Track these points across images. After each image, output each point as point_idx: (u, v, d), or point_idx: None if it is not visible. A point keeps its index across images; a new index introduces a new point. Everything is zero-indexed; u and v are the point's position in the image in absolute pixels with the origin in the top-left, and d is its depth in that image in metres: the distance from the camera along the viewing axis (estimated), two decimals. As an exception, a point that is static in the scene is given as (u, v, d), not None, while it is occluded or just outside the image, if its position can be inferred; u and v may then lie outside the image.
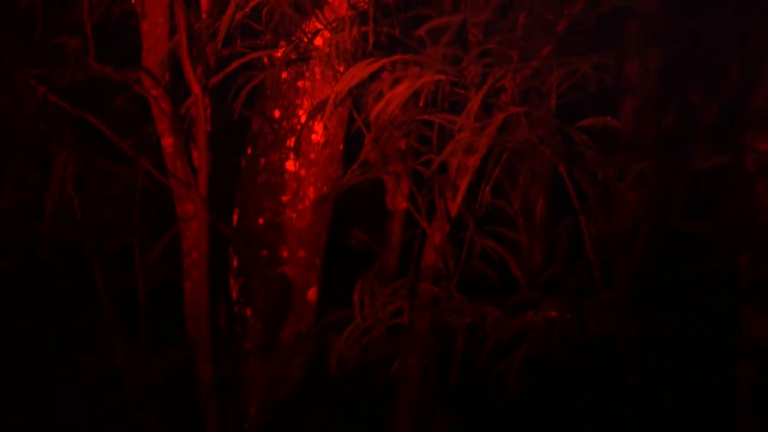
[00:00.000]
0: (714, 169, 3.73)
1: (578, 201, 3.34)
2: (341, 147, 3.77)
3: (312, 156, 3.75)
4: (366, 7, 3.42)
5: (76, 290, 4.20)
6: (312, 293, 3.81)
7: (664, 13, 4.05)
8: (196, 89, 3.58)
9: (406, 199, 3.62)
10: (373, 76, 3.34)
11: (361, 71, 3.26)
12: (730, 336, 3.82)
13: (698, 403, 3.70)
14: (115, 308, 4.08)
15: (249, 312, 3.82)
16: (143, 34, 3.64)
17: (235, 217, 3.86)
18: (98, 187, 4.10)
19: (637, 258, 3.54)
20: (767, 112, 3.77)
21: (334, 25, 3.46)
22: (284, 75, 3.73)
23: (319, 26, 3.54)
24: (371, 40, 3.36)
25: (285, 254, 3.78)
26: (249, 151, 3.84)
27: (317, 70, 3.70)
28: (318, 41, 3.58)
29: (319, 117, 3.68)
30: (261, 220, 3.80)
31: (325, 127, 3.73)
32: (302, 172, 3.76)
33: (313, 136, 3.74)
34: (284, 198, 3.78)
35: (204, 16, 3.60)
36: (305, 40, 3.57)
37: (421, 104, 3.37)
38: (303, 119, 3.72)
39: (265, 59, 3.67)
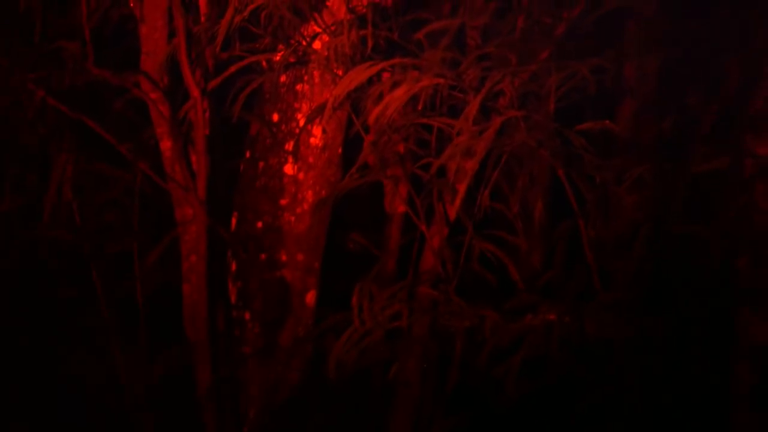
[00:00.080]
0: (713, 172, 3.73)
1: (577, 204, 3.34)
2: (340, 150, 3.77)
3: (311, 159, 3.75)
4: (365, 10, 3.43)
5: (75, 293, 4.20)
6: (310, 297, 3.81)
7: (662, 15, 4.05)
8: (195, 93, 3.57)
9: (404, 202, 3.62)
10: (372, 80, 3.34)
11: (359, 75, 3.26)
12: (729, 338, 3.81)
13: (697, 405, 3.70)
14: (114, 311, 4.08)
15: (247, 315, 3.82)
16: (142, 38, 3.64)
17: (234, 221, 3.86)
18: (97, 190, 4.10)
19: (636, 261, 3.55)
20: (766, 115, 3.77)
21: (333, 28, 3.45)
22: (283, 78, 3.73)
23: (318, 30, 3.54)
24: (370, 44, 3.36)
25: (283, 258, 3.78)
26: (248, 154, 3.85)
27: (316, 73, 3.70)
28: (317, 45, 3.58)
29: (317, 120, 3.68)
30: (260, 224, 3.80)
31: (324, 131, 3.73)
32: (301, 175, 3.76)
33: (312, 140, 3.75)
34: (283, 201, 3.78)
35: (203, 19, 3.60)
36: (304, 43, 3.57)
37: (419, 108, 3.37)
38: (302, 123, 3.73)
39: (264, 63, 3.68)
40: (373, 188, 3.72)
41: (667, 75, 4.08)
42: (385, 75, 3.37)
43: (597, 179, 3.35)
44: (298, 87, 3.73)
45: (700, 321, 3.74)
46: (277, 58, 3.61)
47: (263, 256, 3.79)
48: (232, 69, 3.58)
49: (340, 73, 3.42)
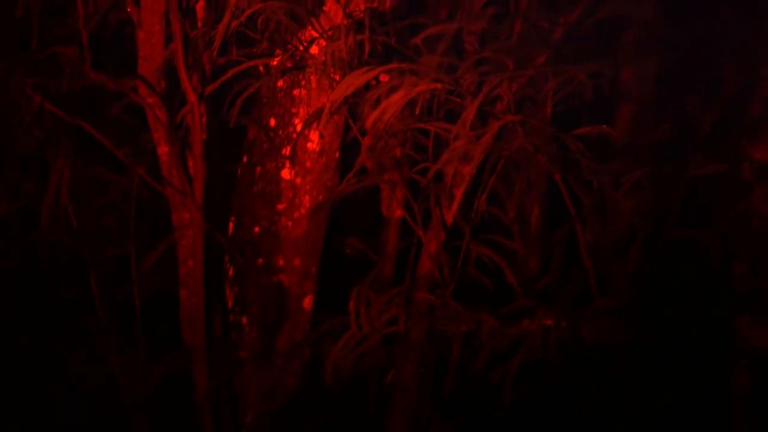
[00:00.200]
0: (711, 176, 3.72)
1: (574, 209, 3.34)
2: (337, 155, 3.77)
3: (308, 164, 3.75)
4: (362, 15, 3.42)
5: (72, 298, 4.20)
6: (307, 301, 3.81)
7: (660, 19, 4.05)
8: (192, 98, 3.57)
9: (402, 207, 3.62)
10: (369, 85, 3.34)
11: (356, 80, 3.25)
12: (726, 342, 3.82)
13: (694, 410, 3.70)
14: (111, 316, 4.08)
15: (245, 320, 3.82)
16: (139, 43, 3.63)
17: (231, 226, 3.86)
18: (94, 195, 4.10)
19: (633, 266, 3.54)
20: (763, 120, 3.77)
21: (330, 33, 3.45)
22: (280, 83, 3.73)
23: (315, 35, 3.54)
24: (367, 49, 3.36)
25: (281, 263, 3.78)
26: (245, 159, 3.85)
27: (313, 78, 3.70)
28: (314, 50, 3.58)
29: (314, 125, 3.68)
30: (257, 229, 3.80)
31: (321, 136, 3.73)
32: (298, 180, 3.76)
33: (309, 145, 3.74)
34: (280, 206, 3.78)
35: (200, 24, 3.60)
36: (301, 48, 3.57)
37: (417, 112, 3.37)
38: (299, 128, 3.73)
39: (261, 68, 3.67)
40: (370, 193, 3.72)
41: (664, 79, 4.09)
42: (383, 79, 3.37)
43: (594, 184, 3.35)
44: (296, 92, 3.73)
45: (697, 325, 3.74)
46: (275, 62, 3.61)
47: (260, 260, 3.79)
48: (230, 74, 3.57)
49: (337, 77, 3.42)
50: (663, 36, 4.05)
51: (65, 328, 4.24)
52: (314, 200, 3.76)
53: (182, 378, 3.77)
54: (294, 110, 3.74)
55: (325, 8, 3.57)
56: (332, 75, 3.45)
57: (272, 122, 3.77)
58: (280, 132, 3.76)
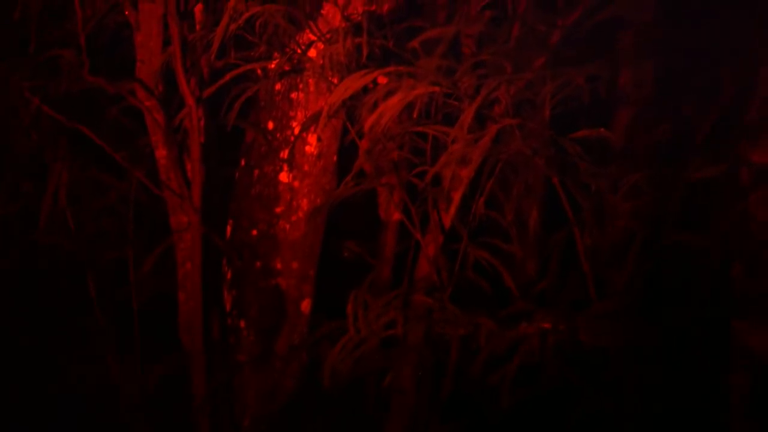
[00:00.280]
0: (709, 180, 3.72)
1: (572, 212, 3.34)
2: (335, 158, 3.77)
3: (306, 167, 3.75)
4: (360, 18, 3.43)
5: (70, 300, 4.20)
6: (305, 304, 3.81)
7: (658, 22, 4.04)
8: (190, 101, 3.57)
9: (399, 210, 3.62)
10: (367, 88, 3.34)
11: (354, 83, 3.25)
12: (725, 346, 3.81)
13: (692, 413, 3.70)
14: (109, 319, 4.08)
15: (243, 323, 3.82)
16: (137, 46, 3.64)
17: (229, 229, 3.86)
18: (92, 197, 4.10)
19: (631, 269, 3.54)
20: (760, 124, 3.77)
21: (328, 36, 3.45)
22: (278, 86, 3.73)
23: (313, 38, 3.55)
24: (365, 52, 3.36)
25: (279, 266, 3.78)
26: (243, 162, 3.85)
27: (311, 81, 3.70)
28: (312, 53, 3.59)
29: (312, 128, 3.68)
30: (255, 232, 3.80)
31: (319, 139, 3.73)
32: (296, 183, 3.76)
33: (307, 148, 3.74)
34: (278, 209, 3.78)
35: (198, 27, 3.61)
36: (299, 51, 3.58)
37: (414, 116, 3.37)
38: (297, 131, 3.72)
39: (259, 71, 3.67)
40: (368, 196, 3.72)
41: (663, 82, 4.08)
42: (381, 82, 3.37)
43: (592, 187, 3.35)
44: (293, 95, 3.73)
45: (695, 329, 3.74)
46: (272, 66, 3.61)
47: (258, 263, 3.79)
48: (228, 77, 3.57)
49: (335, 81, 3.42)
50: (661, 38, 4.04)
51: (64, 329, 4.24)
52: (312, 203, 3.76)
53: (180, 380, 3.77)
54: (292, 113, 3.74)
55: (323, 11, 3.57)
56: (330, 78, 3.45)
57: (270, 125, 3.77)
58: (278, 135, 3.76)
